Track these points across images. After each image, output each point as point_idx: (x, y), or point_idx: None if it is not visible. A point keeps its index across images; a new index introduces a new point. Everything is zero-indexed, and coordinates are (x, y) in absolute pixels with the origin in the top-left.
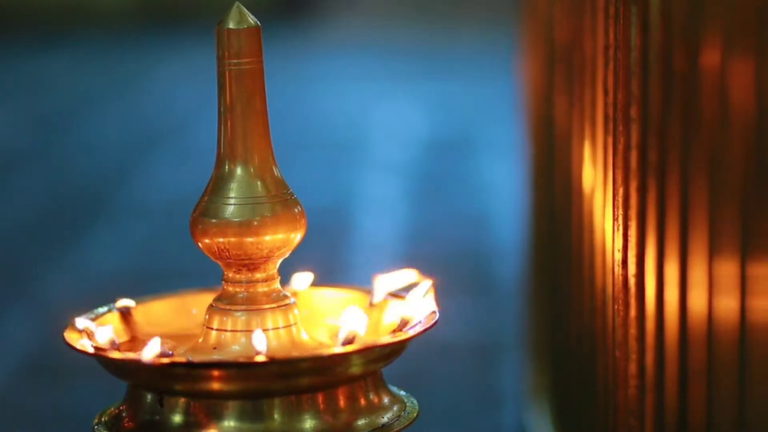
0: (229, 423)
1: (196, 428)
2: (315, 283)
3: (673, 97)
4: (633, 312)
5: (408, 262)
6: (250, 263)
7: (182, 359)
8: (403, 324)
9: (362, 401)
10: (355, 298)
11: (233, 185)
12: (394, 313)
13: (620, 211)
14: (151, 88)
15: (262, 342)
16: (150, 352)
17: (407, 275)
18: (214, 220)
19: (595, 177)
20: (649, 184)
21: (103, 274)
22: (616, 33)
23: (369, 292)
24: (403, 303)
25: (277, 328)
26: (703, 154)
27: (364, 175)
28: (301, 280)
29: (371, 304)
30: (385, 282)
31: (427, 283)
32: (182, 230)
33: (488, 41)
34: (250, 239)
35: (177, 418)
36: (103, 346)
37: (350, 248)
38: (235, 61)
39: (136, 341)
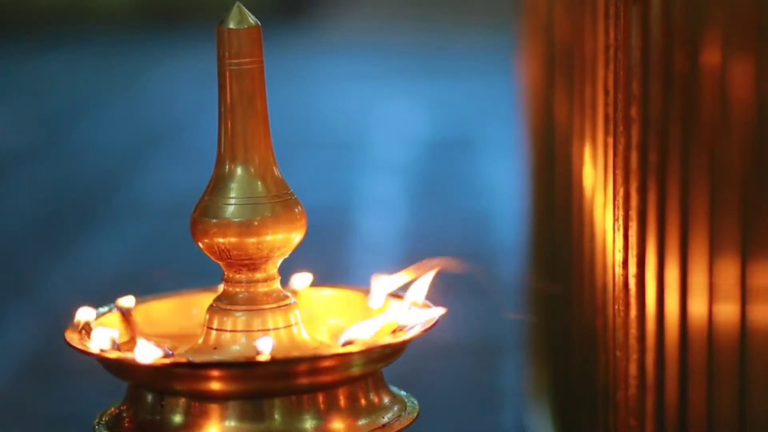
0: (230, 423)
1: (196, 428)
2: (315, 284)
3: (673, 97)
4: (633, 312)
5: (408, 262)
6: (251, 263)
7: (182, 359)
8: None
9: (363, 401)
10: (355, 298)
11: (233, 185)
12: (394, 313)
13: (620, 212)
14: (151, 88)
15: (266, 345)
16: (145, 354)
17: (405, 277)
18: (214, 220)
19: (595, 177)
20: (649, 184)
21: (103, 274)
22: (616, 33)
23: (368, 292)
24: (402, 301)
25: (278, 329)
26: (703, 154)
27: (364, 175)
28: (301, 280)
29: (372, 308)
30: (384, 284)
31: (427, 279)
32: (182, 230)
33: (488, 41)
34: (250, 239)
35: (177, 418)
36: (104, 346)
37: (350, 248)
38: (236, 61)
39: (136, 341)
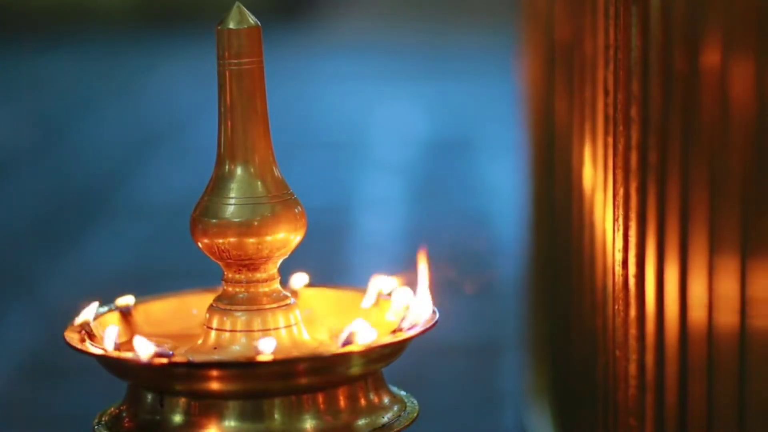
0: (230, 423)
1: (196, 428)
2: (314, 283)
3: (673, 97)
4: (633, 312)
5: (407, 262)
6: (251, 263)
7: (182, 359)
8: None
9: (362, 401)
10: (355, 298)
11: (233, 185)
12: (394, 313)
13: (620, 211)
14: (151, 89)
15: (269, 345)
16: (145, 351)
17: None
18: (214, 220)
19: (595, 177)
20: (649, 184)
21: (103, 274)
22: (616, 33)
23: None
24: (401, 302)
25: (278, 329)
26: (703, 154)
27: (364, 175)
28: (296, 281)
29: (367, 306)
30: (379, 284)
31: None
32: (182, 230)
33: (488, 41)
34: (250, 239)
35: (177, 418)
36: (104, 346)
37: (350, 248)
38: (235, 61)
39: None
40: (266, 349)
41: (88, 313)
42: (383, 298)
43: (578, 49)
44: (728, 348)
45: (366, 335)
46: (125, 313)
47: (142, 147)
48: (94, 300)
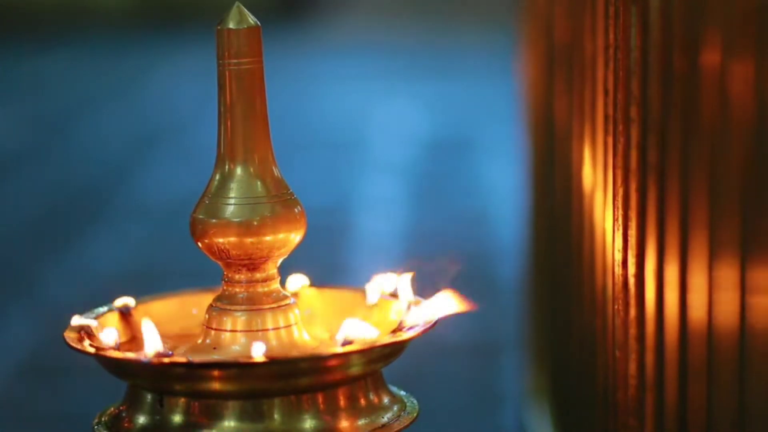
0: (229, 423)
1: (196, 428)
2: (314, 284)
3: (673, 97)
4: (633, 312)
5: (408, 262)
6: (250, 263)
7: (182, 359)
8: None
9: (362, 401)
10: (355, 298)
11: (233, 185)
12: (393, 313)
13: (620, 212)
14: (151, 88)
15: (259, 351)
16: (151, 347)
17: (404, 279)
18: (214, 220)
19: (595, 177)
20: (649, 184)
21: (103, 274)
22: (616, 33)
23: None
24: (399, 303)
25: (278, 328)
26: (703, 154)
27: (364, 175)
28: (295, 282)
29: (369, 306)
30: (381, 282)
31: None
32: (182, 230)
33: (488, 41)
34: (250, 239)
35: (177, 418)
36: (104, 346)
37: (350, 248)
38: (235, 61)
39: (136, 341)
40: (257, 354)
41: (86, 320)
42: (385, 297)
43: (578, 49)
44: (728, 348)
45: (357, 333)
46: (125, 314)
47: (142, 147)
48: (94, 300)
